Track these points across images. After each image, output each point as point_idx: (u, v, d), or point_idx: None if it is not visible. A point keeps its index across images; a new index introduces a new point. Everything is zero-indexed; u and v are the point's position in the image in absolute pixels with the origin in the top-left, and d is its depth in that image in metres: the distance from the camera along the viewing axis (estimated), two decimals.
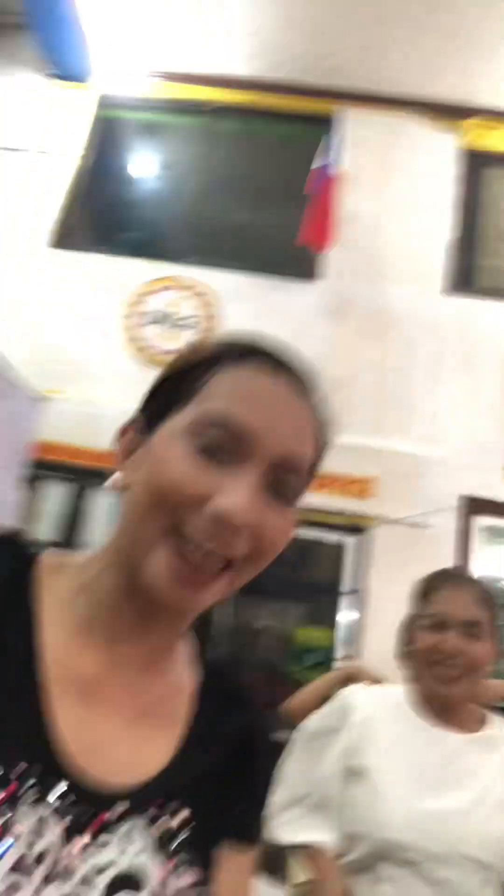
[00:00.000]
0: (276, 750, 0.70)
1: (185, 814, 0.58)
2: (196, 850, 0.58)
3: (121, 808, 0.54)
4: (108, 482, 0.62)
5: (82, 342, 4.32)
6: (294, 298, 4.48)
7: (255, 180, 5.52)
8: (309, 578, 4.17)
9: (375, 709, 1.33)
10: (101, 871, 0.51)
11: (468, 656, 1.25)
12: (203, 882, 0.57)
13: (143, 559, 0.55)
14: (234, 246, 5.27)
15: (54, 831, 0.50)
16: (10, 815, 0.49)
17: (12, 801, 0.49)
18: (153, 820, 0.56)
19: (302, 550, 4.00)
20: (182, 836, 0.57)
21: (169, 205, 5.63)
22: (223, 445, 0.55)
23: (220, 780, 0.63)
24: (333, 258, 4.56)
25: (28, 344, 4.03)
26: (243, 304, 4.44)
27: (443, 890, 1.12)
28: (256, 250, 5.14)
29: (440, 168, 4.82)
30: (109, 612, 0.59)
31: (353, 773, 1.27)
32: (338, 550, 3.97)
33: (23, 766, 0.51)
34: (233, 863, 0.62)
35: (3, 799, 0.49)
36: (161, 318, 4.47)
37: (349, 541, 3.96)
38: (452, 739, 1.27)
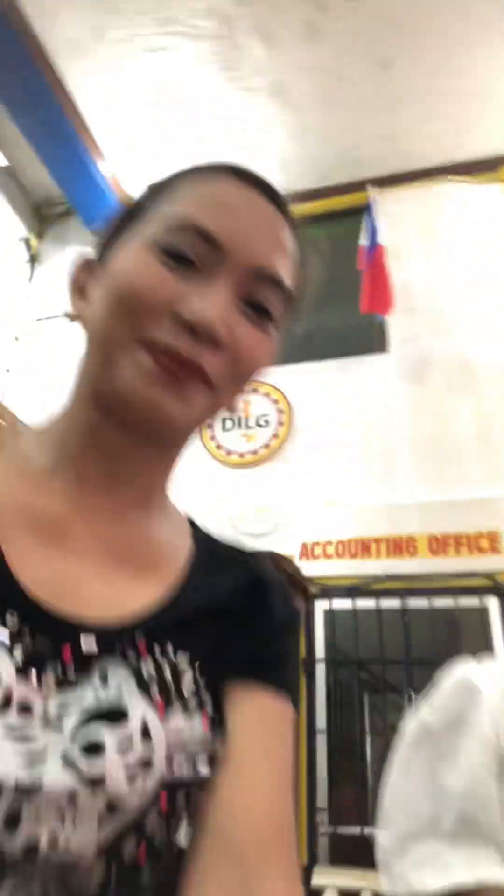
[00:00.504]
0: (293, 606, 0.56)
1: (177, 657, 0.50)
2: (200, 695, 0.50)
3: (88, 642, 0.47)
4: (65, 312, 0.56)
5: None
6: (370, 372, 4.46)
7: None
8: (457, 650, 3.91)
9: None
10: (69, 707, 0.43)
11: None
12: (218, 724, 0.50)
13: (114, 370, 0.50)
14: (302, 343, 5.42)
15: (4, 664, 0.43)
16: None
17: None
18: (137, 662, 0.48)
19: (446, 621, 3.77)
20: (175, 678, 0.49)
21: None
22: (190, 252, 0.51)
23: (223, 624, 0.55)
24: (399, 327, 4.55)
25: None
26: (318, 389, 4.47)
27: None
28: (323, 341, 5.27)
29: (488, 219, 4.81)
30: (76, 455, 0.54)
31: None
32: (482, 615, 3.71)
33: None
34: (254, 704, 0.52)
35: None
36: (235, 423, 4.51)
37: (492, 602, 3.69)
38: None
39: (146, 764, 0.43)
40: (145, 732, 0.44)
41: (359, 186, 5.01)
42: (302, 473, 4.21)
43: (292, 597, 0.62)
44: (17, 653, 0.44)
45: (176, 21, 4.17)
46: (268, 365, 0.55)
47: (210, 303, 0.49)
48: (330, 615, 3.83)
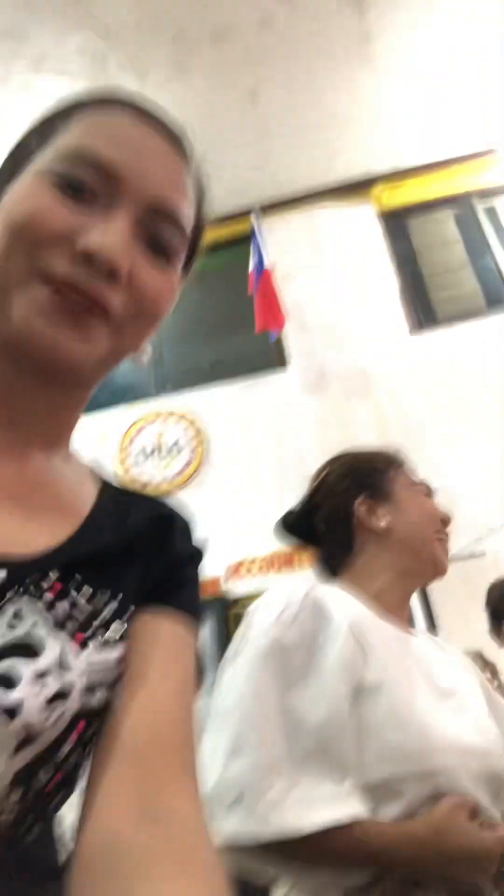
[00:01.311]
0: (198, 543, 0.61)
1: (91, 592, 0.48)
2: (116, 628, 0.49)
3: None
4: None
5: None
6: (274, 389, 4.62)
7: (209, 308, 5.85)
8: None
9: (349, 610, 0.99)
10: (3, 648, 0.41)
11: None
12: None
13: (10, 307, 0.47)
14: (206, 367, 5.53)
15: None
16: None
17: None
18: (51, 599, 0.45)
19: None
20: (90, 613, 0.47)
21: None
22: (88, 185, 0.49)
23: (131, 558, 0.53)
24: (296, 343, 4.75)
25: None
26: (227, 410, 4.57)
27: (493, 815, 0.88)
28: (224, 365, 5.37)
29: (366, 236, 5.11)
30: None
31: (365, 695, 0.90)
32: None
33: None
34: (154, 627, 0.52)
35: None
36: (151, 452, 4.57)
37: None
38: (416, 639, 1.06)
39: (62, 695, 0.42)
40: (62, 665, 0.43)
41: (244, 215, 5.17)
42: (220, 495, 4.27)
43: (197, 534, 0.62)
44: None
45: (50, 58, 4.19)
46: (170, 303, 0.54)
47: (109, 234, 0.47)
48: None
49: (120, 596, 0.50)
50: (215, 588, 3.94)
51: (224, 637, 3.83)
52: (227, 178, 5.05)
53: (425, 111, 4.79)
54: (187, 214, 0.54)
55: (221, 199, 5.07)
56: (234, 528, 4.11)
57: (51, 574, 0.46)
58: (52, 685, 0.41)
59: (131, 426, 4.70)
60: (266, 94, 4.56)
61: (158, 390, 4.94)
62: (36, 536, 0.48)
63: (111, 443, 4.63)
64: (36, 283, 0.47)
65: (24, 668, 0.41)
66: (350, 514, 1.14)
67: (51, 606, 0.45)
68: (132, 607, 0.51)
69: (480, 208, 5.19)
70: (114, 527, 0.54)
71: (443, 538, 1.11)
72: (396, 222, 5.24)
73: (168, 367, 5.22)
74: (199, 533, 0.62)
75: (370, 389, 4.45)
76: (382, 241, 5.08)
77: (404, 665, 0.97)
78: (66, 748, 0.43)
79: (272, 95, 4.58)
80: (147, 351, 0.58)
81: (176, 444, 4.56)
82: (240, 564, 4.03)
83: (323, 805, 0.83)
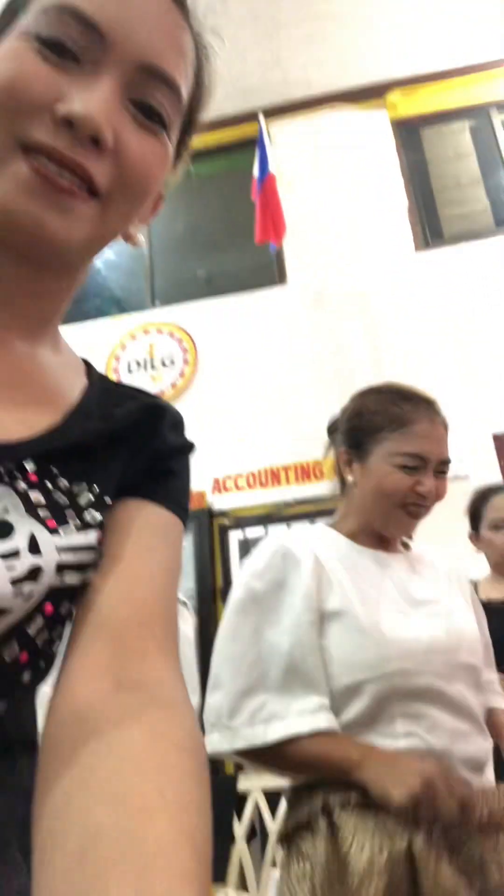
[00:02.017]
0: (186, 436, 0.60)
1: (70, 482, 0.47)
2: (93, 514, 0.47)
3: None
4: None
5: None
6: (270, 305, 4.50)
7: (206, 218, 5.65)
8: None
9: (320, 549, 1.14)
10: None
11: (438, 496, 1.17)
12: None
13: None
14: (201, 281, 5.38)
15: None
16: None
17: None
18: (24, 487, 0.44)
19: None
20: (64, 502, 0.46)
21: (126, 264, 5.77)
22: (70, 42, 0.45)
23: (117, 450, 0.52)
24: (295, 258, 4.59)
25: None
26: (220, 326, 4.48)
27: (459, 708, 1.03)
28: (225, 278, 5.23)
29: (378, 144, 4.85)
30: None
31: (329, 619, 1.06)
32: None
33: None
34: (141, 513, 0.51)
35: None
36: (141, 364, 4.51)
37: None
38: (396, 561, 1.19)
39: (34, 572, 0.41)
40: (31, 548, 0.42)
41: (250, 117, 4.91)
42: (210, 410, 4.26)
43: (185, 427, 0.61)
44: None
45: None
46: (160, 175, 0.50)
47: (92, 98, 0.44)
48: (244, 544, 3.98)
49: (97, 488, 0.49)
50: (201, 501, 4.01)
51: (209, 548, 3.93)
52: (233, 75, 4.78)
53: (446, 15, 4.49)
54: (184, 74, 0.49)
55: (229, 98, 4.87)
56: (223, 444, 4.14)
57: (26, 464, 0.45)
58: (23, 563, 0.41)
59: (122, 337, 4.63)
60: None
61: (151, 302, 4.84)
62: (14, 424, 0.46)
63: (100, 354, 4.57)
64: (17, 156, 0.43)
65: None
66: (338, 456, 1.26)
67: (24, 494, 0.44)
68: (108, 499, 0.49)
69: (498, 121, 4.95)
70: (99, 418, 0.52)
71: (411, 509, 1.17)
72: (409, 131, 4.99)
73: (162, 279, 5.10)
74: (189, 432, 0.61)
75: (368, 307, 4.36)
76: (393, 151, 4.84)
77: (376, 585, 1.11)
78: (32, 627, 0.42)
79: None
80: (140, 234, 0.55)
81: (167, 357, 4.51)
82: (226, 479, 4.08)
83: (289, 719, 0.99)
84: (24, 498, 0.43)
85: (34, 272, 0.49)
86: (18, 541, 0.41)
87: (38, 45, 0.45)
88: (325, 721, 0.99)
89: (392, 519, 1.18)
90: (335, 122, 4.96)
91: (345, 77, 4.90)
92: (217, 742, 1.02)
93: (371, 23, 4.54)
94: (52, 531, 0.43)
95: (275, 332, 4.42)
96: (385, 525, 1.19)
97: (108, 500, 0.49)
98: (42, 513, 0.44)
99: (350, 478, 1.22)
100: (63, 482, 0.47)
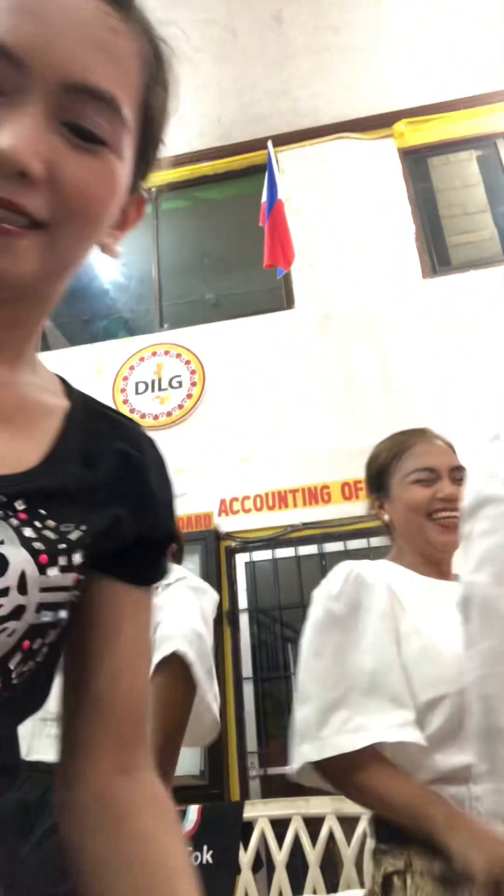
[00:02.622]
0: (170, 483, 0.60)
1: (55, 523, 0.47)
2: (72, 554, 0.48)
3: None
4: None
5: None
6: (278, 328, 4.53)
7: (215, 242, 5.72)
8: None
9: (388, 575, 1.19)
10: None
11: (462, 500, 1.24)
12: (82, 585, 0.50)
13: None
14: (209, 304, 5.44)
15: None
16: None
17: None
18: (18, 523, 0.45)
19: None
20: (54, 539, 0.47)
21: (135, 287, 5.84)
22: None
23: (102, 493, 0.52)
24: (303, 282, 4.63)
25: None
26: (228, 348, 4.51)
27: None
28: (228, 301, 5.28)
29: (385, 173, 4.92)
30: None
31: (405, 639, 1.10)
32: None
33: None
34: (131, 598, 0.57)
35: None
36: (149, 386, 4.52)
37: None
38: (454, 588, 1.19)
39: (18, 610, 0.43)
40: (20, 587, 0.43)
41: (259, 144, 4.99)
42: (217, 432, 4.27)
43: (169, 472, 0.61)
44: None
45: None
46: (108, 194, 0.47)
47: (15, 131, 0.41)
48: (251, 567, 3.96)
49: (84, 528, 0.49)
50: (207, 522, 4.00)
51: (215, 570, 3.90)
52: (243, 103, 4.87)
53: (453, 46, 4.57)
54: (124, 82, 0.46)
55: (240, 126, 4.94)
56: (230, 466, 4.14)
57: (17, 503, 0.45)
58: (7, 605, 0.42)
59: (130, 358, 4.66)
60: (292, 16, 4.34)
61: (160, 325, 4.89)
62: (3, 458, 0.46)
63: (108, 374, 4.60)
64: None
65: None
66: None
67: (17, 528, 0.44)
68: (87, 540, 0.50)
69: None
70: (83, 460, 0.52)
71: (438, 517, 1.23)
72: (417, 160, 5.07)
73: (170, 302, 5.15)
74: (171, 469, 0.62)
75: (376, 334, 4.38)
76: (401, 179, 4.91)
77: (440, 609, 1.13)
78: (13, 662, 0.45)
79: (298, 18, 4.36)
80: (117, 251, 0.53)
81: (175, 378, 4.53)
82: (233, 500, 4.07)
83: (376, 730, 1.01)
84: (18, 532, 0.44)
85: (1, 306, 0.48)
86: (10, 578, 0.43)
87: None
88: (411, 735, 1.00)
89: (428, 534, 1.24)
90: (343, 151, 5.04)
91: (353, 107, 4.99)
92: (307, 752, 1.05)
93: (379, 54, 4.64)
94: (42, 567, 0.45)
95: (282, 355, 4.45)
96: (425, 544, 1.24)
97: (87, 541, 0.50)
98: (37, 545, 0.45)
99: (386, 517, 1.31)
100: (50, 521, 0.47)
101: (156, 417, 4.39)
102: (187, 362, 4.54)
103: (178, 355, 4.58)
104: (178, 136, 5.08)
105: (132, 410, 4.42)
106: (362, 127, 5.06)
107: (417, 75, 4.79)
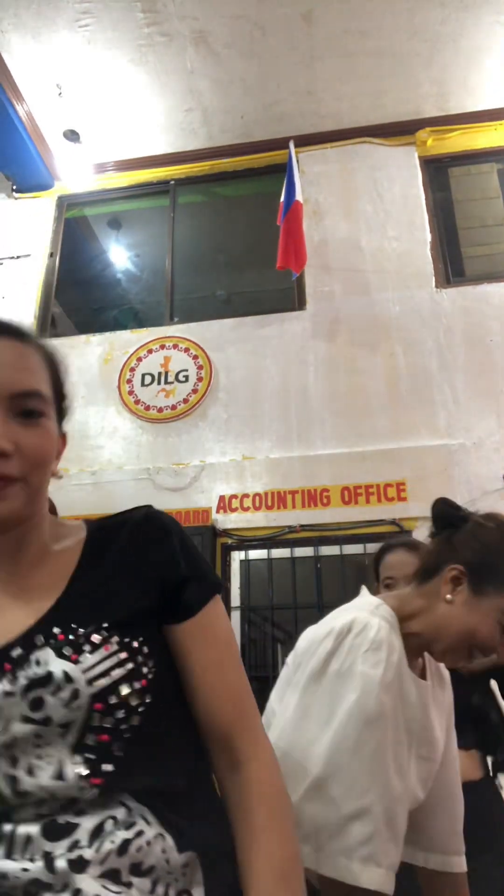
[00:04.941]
0: (158, 520, 0.81)
1: (83, 631, 0.69)
2: (97, 638, 0.69)
3: (16, 651, 0.67)
4: None
5: (83, 417, 4.35)
6: (287, 329, 4.52)
7: (230, 239, 5.72)
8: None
9: (402, 665, 1.14)
10: (17, 683, 0.65)
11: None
12: (138, 663, 0.70)
13: None
14: (220, 300, 5.44)
15: None
16: None
17: None
18: (56, 643, 0.68)
19: (355, 567, 3.98)
20: (80, 639, 0.68)
21: (147, 278, 5.84)
22: None
23: (121, 578, 0.75)
24: (315, 285, 4.63)
25: None
26: (237, 345, 4.51)
27: None
28: (241, 299, 5.27)
29: (405, 180, 4.91)
30: None
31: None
32: None
33: None
34: (189, 629, 0.76)
35: None
36: (155, 378, 4.53)
37: None
38: (426, 691, 1.21)
39: (75, 694, 0.65)
40: (67, 677, 0.65)
41: (280, 143, 4.99)
42: (220, 428, 4.28)
43: (168, 530, 0.80)
44: None
45: None
46: (51, 446, 0.73)
47: None
48: (246, 565, 3.97)
49: (105, 624, 0.70)
50: (205, 518, 4.01)
51: (211, 564, 3.89)
52: (268, 101, 4.86)
53: (480, 56, 4.56)
54: (41, 378, 0.74)
55: (262, 124, 4.94)
56: (231, 463, 4.15)
57: (54, 628, 0.69)
58: (65, 692, 0.65)
59: (138, 349, 4.66)
60: (321, 17, 4.33)
61: (170, 318, 4.89)
62: (31, 610, 0.71)
63: (115, 364, 4.62)
64: None
65: (45, 693, 0.65)
66: (446, 562, 1.19)
67: (57, 648, 0.67)
68: (105, 624, 0.70)
69: None
70: (98, 565, 0.76)
71: (466, 654, 1.15)
72: (438, 169, 5.04)
73: (181, 296, 5.15)
74: (170, 526, 0.80)
75: (385, 340, 4.38)
76: (420, 188, 4.90)
77: (416, 721, 1.15)
78: (94, 717, 0.66)
79: (327, 20, 4.35)
80: (60, 472, 0.78)
81: (181, 371, 4.54)
82: (232, 497, 4.08)
83: (385, 870, 0.96)
84: (57, 650, 0.67)
85: (4, 534, 0.74)
86: (56, 679, 0.65)
87: None
88: (391, 886, 0.96)
89: (456, 654, 1.16)
90: (364, 155, 5.03)
91: (377, 112, 4.98)
92: (305, 857, 0.96)
93: (406, 61, 4.63)
94: (75, 662, 0.66)
95: (290, 356, 4.45)
96: (443, 654, 1.18)
97: (106, 625, 0.71)
98: (66, 651, 0.67)
99: (449, 596, 1.16)
100: (80, 630, 0.69)
101: (160, 410, 4.40)
102: (195, 357, 4.55)
103: (187, 349, 4.58)
104: (200, 131, 5.08)
105: (137, 402, 4.43)
106: (385, 133, 5.05)
107: (443, 84, 4.77)
